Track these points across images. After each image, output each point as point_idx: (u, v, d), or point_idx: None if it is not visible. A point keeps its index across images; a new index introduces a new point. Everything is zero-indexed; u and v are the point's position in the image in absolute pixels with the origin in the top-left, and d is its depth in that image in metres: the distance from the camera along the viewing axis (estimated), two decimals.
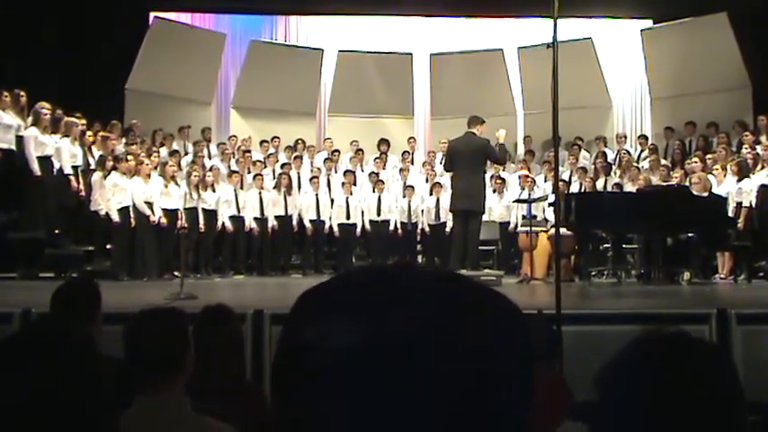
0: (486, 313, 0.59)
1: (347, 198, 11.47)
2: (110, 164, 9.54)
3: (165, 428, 2.05)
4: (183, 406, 2.08)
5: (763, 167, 9.50)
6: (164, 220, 9.47)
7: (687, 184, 9.56)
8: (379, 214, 11.56)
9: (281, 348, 0.60)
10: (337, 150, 12.72)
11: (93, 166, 9.79)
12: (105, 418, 1.19)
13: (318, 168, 11.95)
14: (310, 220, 11.32)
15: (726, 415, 1.02)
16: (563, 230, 7.93)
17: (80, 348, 1.17)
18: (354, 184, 11.82)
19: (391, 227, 11.62)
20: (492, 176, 10.72)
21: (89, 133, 10.13)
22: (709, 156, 10.75)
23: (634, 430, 1.01)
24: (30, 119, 9.31)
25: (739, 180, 9.56)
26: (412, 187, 11.74)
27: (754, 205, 9.31)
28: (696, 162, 10.25)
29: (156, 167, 9.89)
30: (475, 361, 0.55)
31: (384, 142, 12.98)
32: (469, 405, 0.55)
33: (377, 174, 12.06)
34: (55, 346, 1.15)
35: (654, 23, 13.67)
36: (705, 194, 9.00)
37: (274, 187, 11.21)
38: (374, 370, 0.54)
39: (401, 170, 12.29)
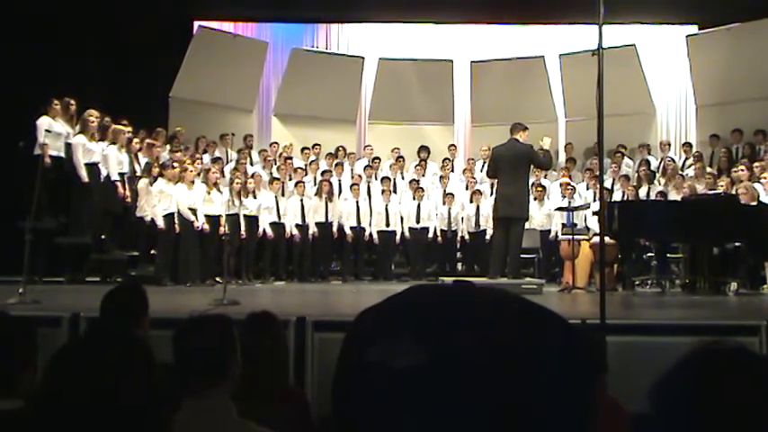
0: (547, 334, 0.59)
1: (386, 205, 11.49)
2: (156, 171, 9.70)
3: None
4: (229, 411, 2.11)
5: None
6: (206, 227, 9.59)
7: (733, 192, 9.37)
8: (418, 221, 11.55)
9: (343, 366, 0.60)
10: (378, 157, 12.75)
11: (138, 173, 9.96)
12: (160, 422, 1.21)
13: (359, 175, 12.00)
14: (350, 227, 11.36)
15: None
16: (606, 239, 7.82)
17: (139, 354, 1.20)
18: (394, 192, 11.83)
19: (431, 234, 11.60)
20: (533, 184, 10.65)
21: (135, 140, 10.31)
22: (756, 164, 10.52)
23: None
24: (78, 126, 9.52)
25: None
26: (452, 194, 11.70)
27: None
28: (743, 170, 10.04)
29: (199, 174, 10.03)
30: (537, 381, 0.55)
31: (424, 149, 12.98)
32: (532, 424, 0.54)
33: (417, 181, 12.06)
34: (117, 351, 1.18)
35: (699, 29, 13.43)
36: (753, 204, 8.80)
37: (315, 194, 11.28)
38: (437, 389, 0.54)
39: (441, 177, 12.27)
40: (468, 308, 0.58)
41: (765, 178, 9.78)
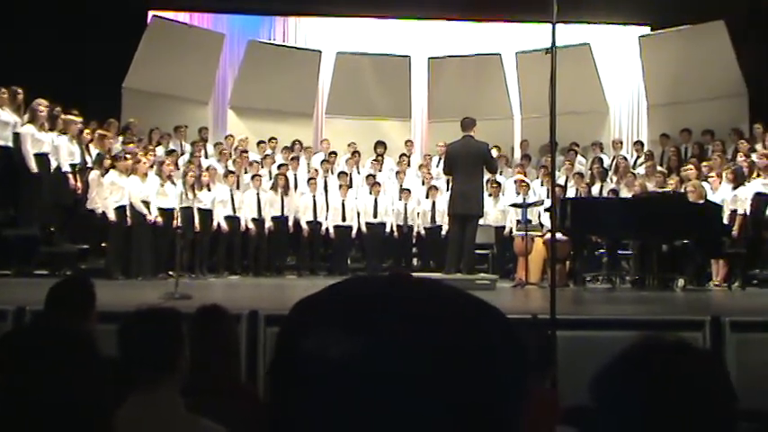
0: (481, 325, 0.59)
1: (343, 200, 11.48)
2: (107, 162, 9.53)
3: (158, 428, 2.05)
4: (177, 406, 2.08)
5: (758, 175, 9.54)
6: (159, 220, 9.47)
7: (683, 190, 9.59)
8: (375, 216, 11.56)
9: (277, 358, 0.59)
10: (334, 152, 12.72)
11: (90, 165, 9.77)
12: (100, 418, 1.18)
13: (315, 170, 11.96)
14: (307, 222, 11.32)
15: (719, 422, 1.02)
16: (559, 235, 7.94)
17: (80, 347, 1.17)
18: (350, 186, 11.82)
19: (387, 229, 11.62)
20: (488, 180, 10.72)
21: (86, 131, 10.11)
22: (704, 163, 10.79)
23: None
24: (26, 116, 9.30)
25: (735, 188, 9.59)
26: (408, 190, 11.74)
27: (748, 213, 9.35)
28: (691, 169, 10.29)
29: (152, 166, 9.89)
30: (469, 372, 0.55)
31: (381, 144, 12.97)
32: (462, 415, 0.55)
33: (373, 176, 12.06)
34: (55, 344, 1.16)
35: (652, 30, 13.70)
36: (701, 202, 9.02)
37: (271, 188, 11.21)
38: (370, 380, 0.54)
39: (397, 173, 12.29)
40: (405, 300, 0.58)
41: (713, 177, 10.05)
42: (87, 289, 2.92)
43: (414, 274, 10.02)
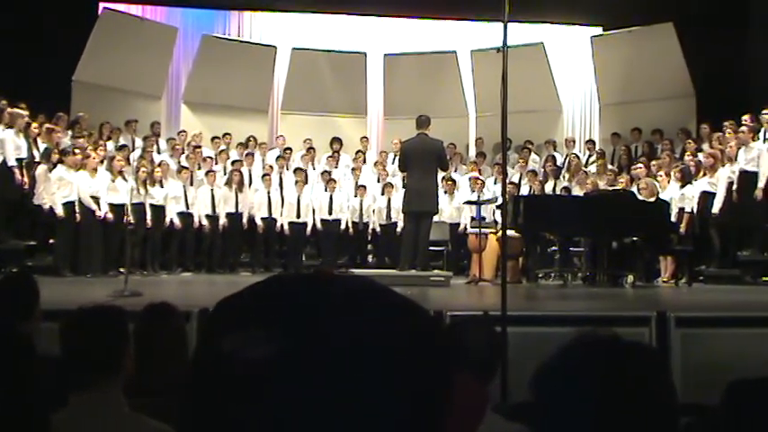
0: (403, 323, 0.59)
1: (298, 196, 11.42)
2: (55, 157, 9.33)
3: (102, 428, 2.01)
4: (121, 406, 2.04)
5: (704, 174, 9.78)
6: (110, 215, 9.30)
7: (633, 189, 9.78)
8: (330, 213, 11.53)
9: (198, 358, 0.59)
10: (289, 148, 12.65)
11: (37, 159, 9.55)
12: (38, 418, 1.16)
13: (270, 166, 11.88)
14: (261, 218, 11.25)
15: (659, 416, 1.04)
16: (512, 233, 8.03)
17: (17, 346, 1.14)
18: (306, 183, 11.77)
19: (342, 226, 11.60)
20: (443, 178, 10.79)
21: (34, 125, 9.87)
22: (653, 162, 11.01)
23: (571, 429, 1.03)
24: None
25: (682, 186, 9.83)
26: (364, 187, 11.74)
27: (695, 211, 9.59)
28: (641, 168, 10.50)
29: (102, 161, 9.71)
30: (392, 369, 0.55)
31: (336, 141, 12.95)
32: (385, 412, 0.55)
33: (329, 172, 12.03)
34: None
35: (604, 31, 13.92)
36: (652, 199, 9.21)
37: (225, 184, 11.11)
38: (292, 380, 0.54)
39: (353, 169, 12.28)
40: (326, 298, 0.58)
41: (662, 176, 10.27)
42: (30, 286, 2.84)
43: (367, 271, 10.04)
